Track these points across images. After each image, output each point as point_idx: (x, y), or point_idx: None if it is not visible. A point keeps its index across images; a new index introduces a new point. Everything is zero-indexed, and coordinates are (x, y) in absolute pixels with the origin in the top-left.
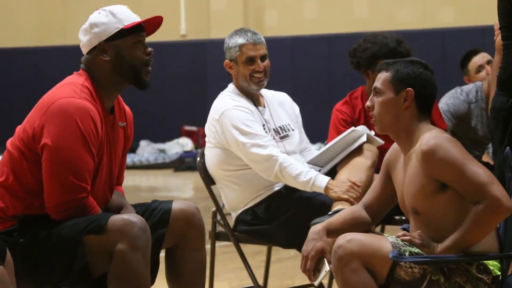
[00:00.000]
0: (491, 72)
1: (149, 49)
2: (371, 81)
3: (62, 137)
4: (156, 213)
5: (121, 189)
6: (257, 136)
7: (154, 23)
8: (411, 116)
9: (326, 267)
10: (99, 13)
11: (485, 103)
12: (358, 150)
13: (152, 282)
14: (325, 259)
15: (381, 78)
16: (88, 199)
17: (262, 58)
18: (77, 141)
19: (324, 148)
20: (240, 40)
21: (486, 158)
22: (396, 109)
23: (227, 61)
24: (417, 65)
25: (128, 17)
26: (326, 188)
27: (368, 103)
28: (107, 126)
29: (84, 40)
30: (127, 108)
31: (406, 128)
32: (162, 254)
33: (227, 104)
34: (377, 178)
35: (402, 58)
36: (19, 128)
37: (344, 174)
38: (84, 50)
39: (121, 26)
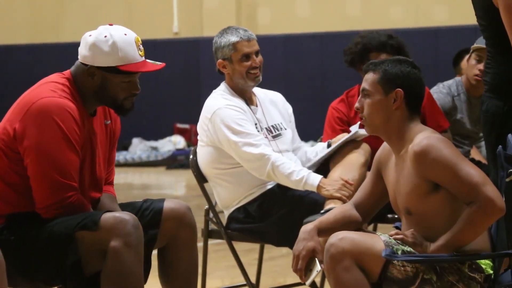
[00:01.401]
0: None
1: (137, 90)
2: None
3: (44, 138)
4: (148, 214)
5: (112, 190)
6: (249, 135)
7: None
8: (402, 117)
9: (318, 266)
10: (105, 36)
11: (467, 96)
12: (351, 148)
13: (145, 281)
14: (316, 258)
15: (369, 79)
16: (78, 197)
17: (256, 54)
18: (59, 141)
19: (323, 154)
20: (233, 38)
21: (478, 156)
22: (386, 110)
23: (220, 60)
24: (404, 64)
25: (130, 56)
26: (319, 186)
27: (356, 105)
28: (88, 126)
29: (82, 51)
30: None
31: (397, 129)
32: (155, 252)
33: (219, 103)
34: (368, 176)
35: (393, 51)
36: None
37: (336, 172)
38: (79, 57)
39: (117, 65)
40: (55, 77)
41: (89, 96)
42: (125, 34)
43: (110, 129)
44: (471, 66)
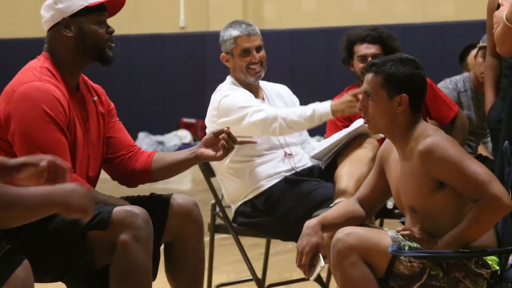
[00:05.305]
0: (484, 72)
1: (111, 28)
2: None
3: (29, 122)
4: (154, 206)
5: (152, 152)
6: (254, 106)
7: (117, 4)
8: (406, 118)
9: (321, 262)
10: None
11: (474, 92)
12: (359, 143)
13: (154, 276)
14: (320, 254)
15: (372, 81)
16: (72, 177)
17: (258, 49)
18: (44, 123)
19: (329, 142)
20: (234, 32)
21: (485, 152)
22: (391, 113)
23: (223, 54)
24: (408, 66)
25: None
26: (333, 111)
27: (359, 106)
28: (74, 103)
29: (47, 16)
30: (95, 85)
31: (401, 129)
32: (162, 247)
33: (225, 93)
34: (371, 172)
35: (374, 41)
36: None
37: (344, 168)
38: (46, 26)
39: (86, 4)
40: (32, 62)
41: (70, 61)
42: None
43: (99, 105)
44: (478, 64)
